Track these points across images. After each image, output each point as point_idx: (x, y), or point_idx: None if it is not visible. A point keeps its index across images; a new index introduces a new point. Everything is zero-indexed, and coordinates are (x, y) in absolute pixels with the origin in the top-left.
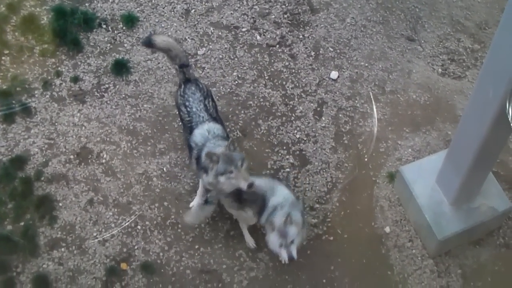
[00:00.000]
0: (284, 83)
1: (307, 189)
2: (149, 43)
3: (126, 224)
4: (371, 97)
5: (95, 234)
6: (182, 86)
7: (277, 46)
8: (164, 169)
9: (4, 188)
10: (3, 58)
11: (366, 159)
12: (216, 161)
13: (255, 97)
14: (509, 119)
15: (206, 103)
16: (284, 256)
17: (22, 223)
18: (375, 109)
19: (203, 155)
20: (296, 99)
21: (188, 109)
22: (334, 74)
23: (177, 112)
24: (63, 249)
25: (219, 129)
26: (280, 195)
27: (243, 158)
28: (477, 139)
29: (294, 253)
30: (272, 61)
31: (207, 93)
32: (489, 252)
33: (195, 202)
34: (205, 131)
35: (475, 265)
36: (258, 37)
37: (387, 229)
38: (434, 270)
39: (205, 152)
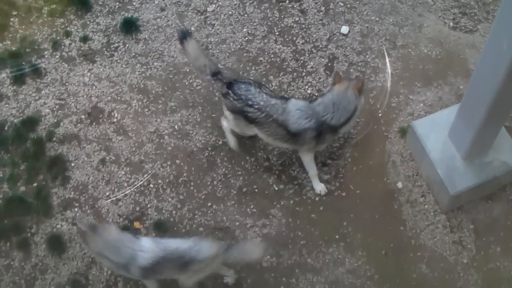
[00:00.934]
0: (294, 38)
1: None
2: (183, 40)
3: (139, 183)
4: (384, 52)
5: (107, 194)
6: (230, 92)
7: (287, 1)
8: (176, 126)
9: (16, 149)
10: (11, 19)
11: (379, 115)
12: None
13: (266, 53)
14: None
15: (264, 91)
16: None
17: (35, 184)
18: (388, 64)
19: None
20: (307, 55)
21: (257, 106)
22: (344, 29)
23: (229, 114)
24: (76, 209)
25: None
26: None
27: None
28: (489, 93)
29: None
30: (282, 16)
31: (254, 82)
32: (502, 206)
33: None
34: (299, 110)
35: (488, 220)
36: None
37: (400, 185)
38: (446, 225)
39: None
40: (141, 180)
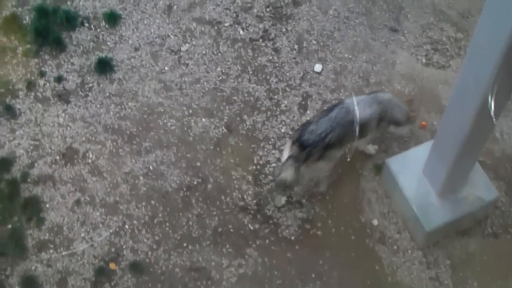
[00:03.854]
0: (268, 77)
1: None
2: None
3: (115, 225)
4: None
5: (83, 235)
6: (300, 139)
7: (260, 40)
8: (150, 167)
9: None
10: None
11: (347, 160)
12: None
13: (240, 92)
14: (492, 113)
15: (316, 119)
16: None
17: (9, 226)
18: (355, 104)
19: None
20: (281, 93)
21: (327, 131)
22: (318, 67)
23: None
24: (51, 251)
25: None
26: None
27: None
28: (462, 130)
29: None
30: (256, 55)
31: (308, 122)
32: (477, 242)
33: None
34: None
35: (464, 255)
36: (241, 32)
37: (375, 222)
38: (423, 261)
39: None
40: (116, 221)
